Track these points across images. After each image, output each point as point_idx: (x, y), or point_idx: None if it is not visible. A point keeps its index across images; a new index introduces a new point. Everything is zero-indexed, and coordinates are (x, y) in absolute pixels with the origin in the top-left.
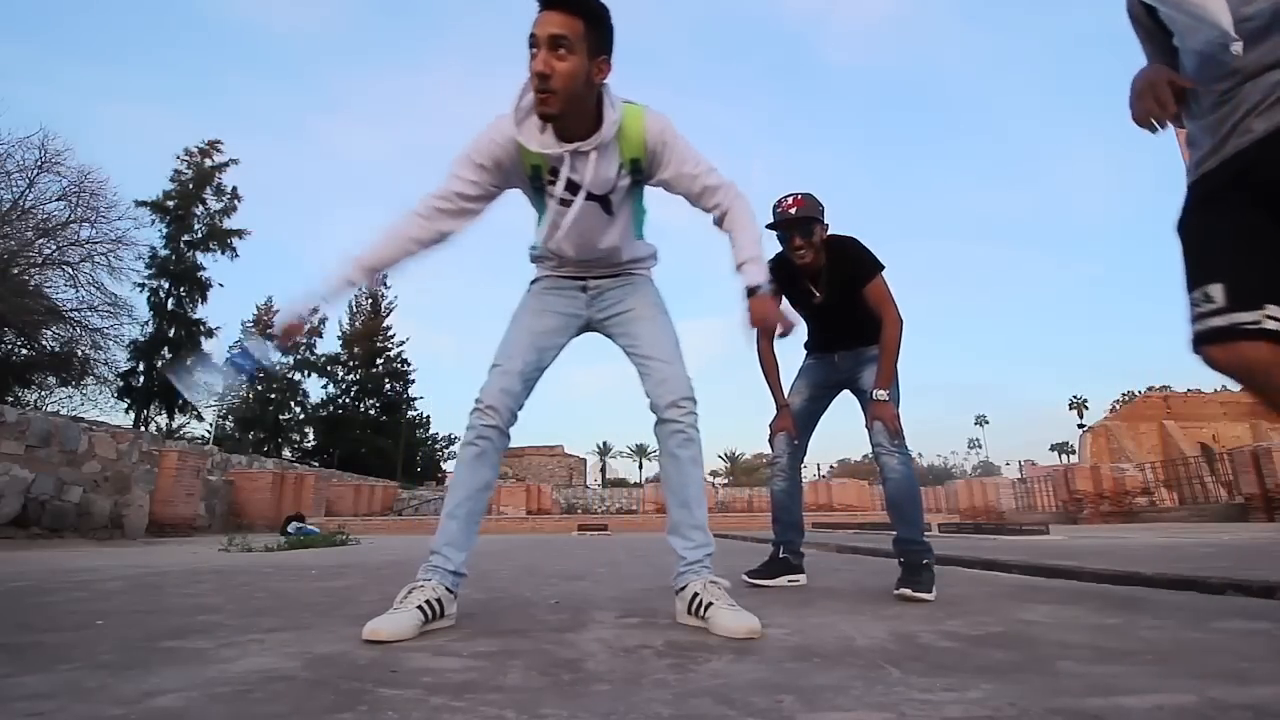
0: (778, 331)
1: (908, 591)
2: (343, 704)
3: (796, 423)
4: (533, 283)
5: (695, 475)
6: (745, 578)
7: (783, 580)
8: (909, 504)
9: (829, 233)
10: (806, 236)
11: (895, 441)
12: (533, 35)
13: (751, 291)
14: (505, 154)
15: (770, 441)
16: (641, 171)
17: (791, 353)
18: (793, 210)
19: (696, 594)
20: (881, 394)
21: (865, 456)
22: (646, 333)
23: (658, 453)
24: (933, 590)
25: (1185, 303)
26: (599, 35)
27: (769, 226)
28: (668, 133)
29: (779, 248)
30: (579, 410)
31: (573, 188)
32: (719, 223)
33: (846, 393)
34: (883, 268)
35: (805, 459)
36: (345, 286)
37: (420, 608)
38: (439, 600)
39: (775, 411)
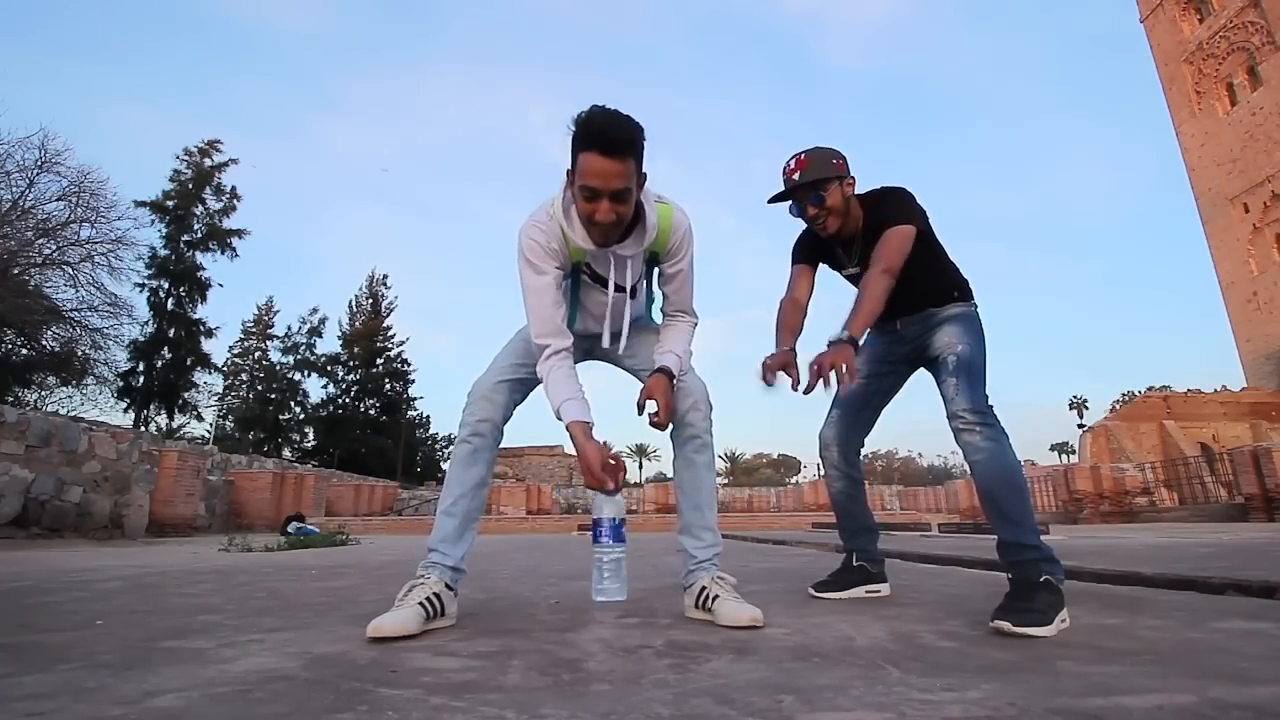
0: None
1: (1005, 625)
2: (343, 704)
3: (848, 408)
4: None
5: (709, 479)
6: (812, 591)
7: (859, 591)
8: (1006, 492)
9: (873, 188)
10: (819, 204)
11: (977, 412)
12: (593, 188)
13: (663, 370)
14: (560, 251)
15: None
16: (657, 261)
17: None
18: (795, 175)
19: (704, 588)
20: (842, 334)
21: (867, 455)
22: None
23: (672, 456)
24: (1053, 622)
25: None
26: (641, 159)
27: (772, 200)
28: (688, 235)
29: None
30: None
31: (608, 283)
32: (666, 323)
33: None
34: (912, 219)
35: (863, 450)
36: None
37: (421, 604)
38: (438, 596)
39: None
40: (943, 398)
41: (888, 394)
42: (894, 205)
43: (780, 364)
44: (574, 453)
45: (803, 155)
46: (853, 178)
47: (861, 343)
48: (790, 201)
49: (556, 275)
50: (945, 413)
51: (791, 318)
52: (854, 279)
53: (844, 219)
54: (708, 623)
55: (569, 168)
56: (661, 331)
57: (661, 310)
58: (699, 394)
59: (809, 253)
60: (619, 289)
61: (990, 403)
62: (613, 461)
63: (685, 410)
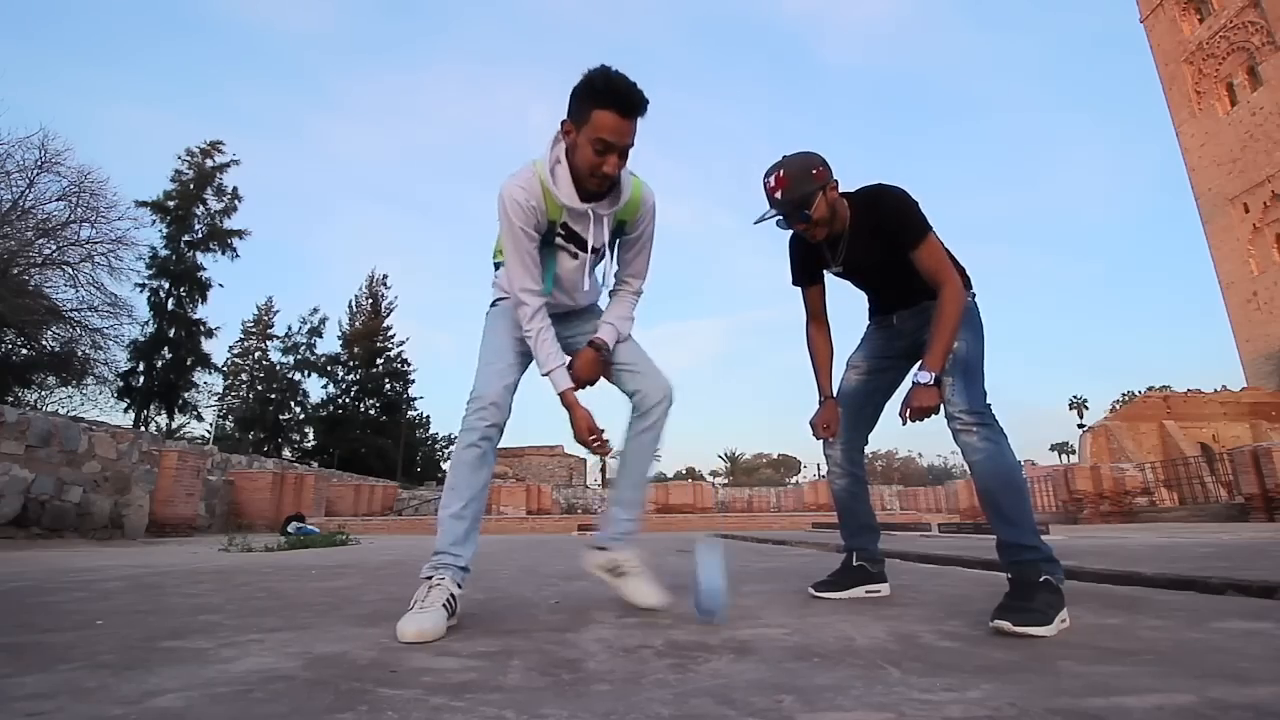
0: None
1: (1005, 624)
2: (343, 704)
3: (849, 405)
4: (496, 303)
5: (653, 465)
6: (812, 591)
7: (858, 591)
8: (1005, 492)
9: (863, 187)
10: (804, 221)
11: (975, 413)
12: (609, 142)
13: (592, 343)
14: (539, 209)
15: (816, 434)
16: (624, 232)
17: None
18: (777, 194)
19: (617, 559)
20: (925, 376)
21: (867, 455)
22: (622, 345)
23: (625, 435)
24: (1053, 621)
25: None
26: None
27: (758, 221)
28: (653, 210)
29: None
30: (604, 404)
31: (582, 243)
32: (613, 292)
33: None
34: (927, 230)
35: (867, 448)
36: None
37: (444, 605)
38: (454, 598)
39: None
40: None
41: (888, 390)
42: (898, 210)
43: (826, 421)
44: (575, 453)
45: (781, 172)
46: (835, 181)
47: (860, 338)
48: (777, 217)
49: (534, 236)
50: (943, 412)
51: (821, 352)
52: (857, 271)
53: (831, 224)
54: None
55: (568, 119)
56: (609, 300)
57: (615, 276)
58: (665, 390)
59: (807, 266)
60: (595, 251)
61: (989, 401)
62: (599, 431)
63: (651, 405)
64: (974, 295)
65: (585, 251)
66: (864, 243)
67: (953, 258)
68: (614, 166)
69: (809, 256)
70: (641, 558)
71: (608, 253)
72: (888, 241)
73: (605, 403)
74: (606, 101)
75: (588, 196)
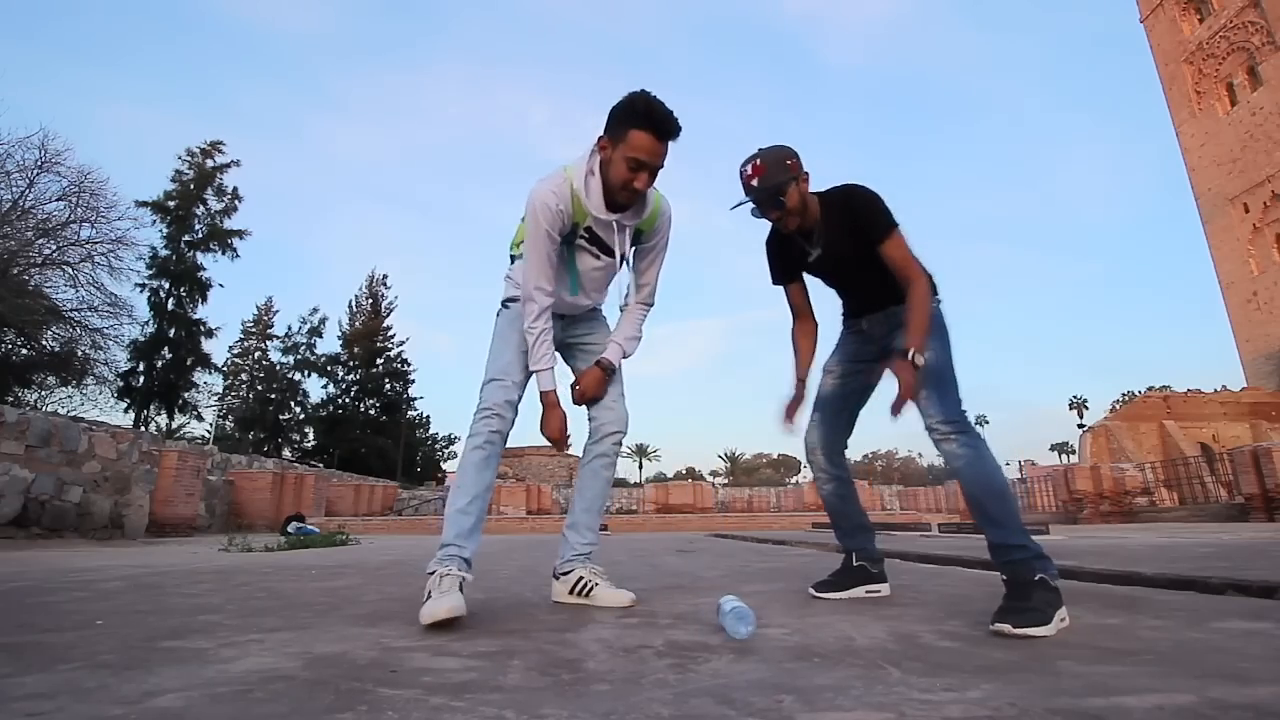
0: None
1: (1005, 627)
2: (343, 704)
3: (827, 409)
4: (507, 304)
5: (606, 491)
6: (812, 591)
7: (859, 591)
8: (988, 495)
9: (832, 187)
10: (779, 208)
11: (951, 421)
12: (642, 161)
13: (599, 363)
14: (566, 213)
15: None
16: (640, 240)
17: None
18: (754, 182)
19: (581, 577)
20: (915, 357)
21: (867, 455)
22: None
23: (582, 460)
24: (1052, 620)
25: None
26: None
27: (734, 208)
28: (669, 221)
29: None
30: (578, 410)
31: (604, 246)
32: (624, 306)
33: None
34: (895, 224)
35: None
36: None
37: (459, 589)
38: (464, 585)
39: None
40: (917, 407)
41: (863, 393)
42: (867, 206)
43: (790, 410)
44: (575, 453)
45: (758, 161)
46: (806, 173)
47: (836, 343)
48: (751, 205)
49: (556, 240)
50: (922, 424)
51: (804, 350)
52: (817, 263)
53: (802, 215)
54: (583, 606)
55: (605, 136)
56: (621, 314)
57: (629, 286)
58: (620, 424)
59: (786, 264)
60: (618, 255)
61: (964, 408)
62: (567, 434)
63: (605, 434)
64: (939, 302)
65: (608, 255)
66: (837, 238)
67: (920, 264)
68: (644, 183)
69: (785, 254)
70: (606, 568)
71: (627, 261)
72: (860, 237)
73: (578, 412)
74: (644, 123)
75: (614, 208)
